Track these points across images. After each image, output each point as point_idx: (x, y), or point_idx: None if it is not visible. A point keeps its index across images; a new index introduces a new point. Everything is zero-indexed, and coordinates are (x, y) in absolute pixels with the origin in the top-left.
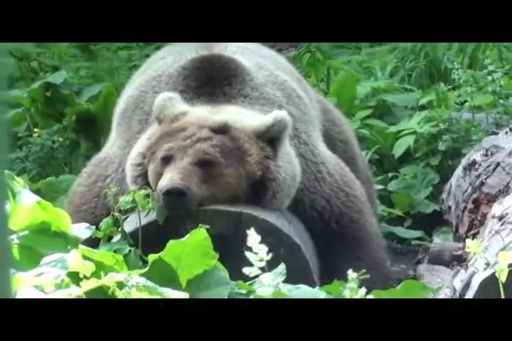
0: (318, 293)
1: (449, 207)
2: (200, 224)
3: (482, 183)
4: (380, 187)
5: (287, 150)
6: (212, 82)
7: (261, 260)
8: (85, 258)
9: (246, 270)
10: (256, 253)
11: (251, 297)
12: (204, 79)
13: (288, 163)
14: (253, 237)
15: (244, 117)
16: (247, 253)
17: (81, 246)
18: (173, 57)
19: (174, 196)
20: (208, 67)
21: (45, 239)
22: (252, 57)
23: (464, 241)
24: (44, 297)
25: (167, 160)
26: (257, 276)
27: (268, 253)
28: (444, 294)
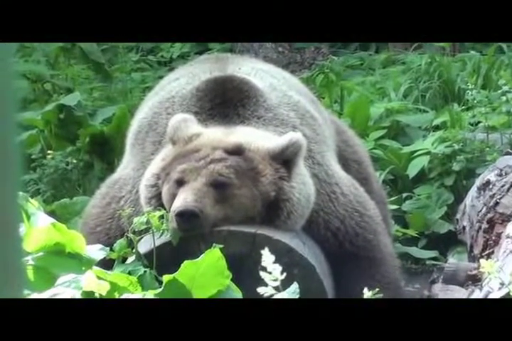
0: None
1: (464, 227)
2: (214, 244)
3: (496, 203)
4: (395, 207)
5: (301, 171)
6: (225, 103)
7: (275, 280)
8: (99, 279)
9: (261, 290)
10: (270, 273)
11: None
12: (218, 100)
13: (302, 184)
14: (267, 257)
15: (259, 138)
16: (262, 273)
17: (95, 268)
18: (187, 78)
19: (187, 218)
20: (222, 88)
21: (60, 260)
22: (265, 78)
23: (479, 261)
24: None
25: (181, 181)
26: (270, 296)
27: (282, 273)
28: None
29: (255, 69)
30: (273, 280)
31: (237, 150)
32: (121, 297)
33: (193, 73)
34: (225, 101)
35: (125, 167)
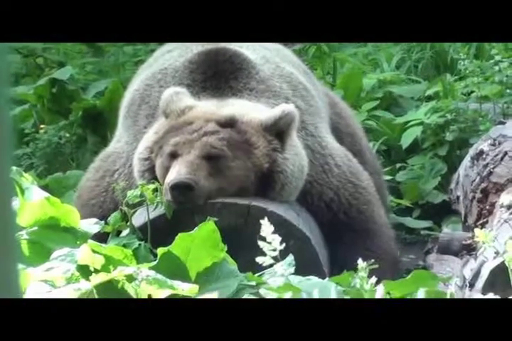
0: (328, 284)
1: (458, 197)
2: (208, 217)
3: (490, 173)
4: (388, 177)
5: (294, 142)
6: (218, 75)
7: (274, 250)
8: (94, 252)
9: (259, 259)
10: (269, 243)
11: (261, 288)
12: (210, 72)
13: (295, 155)
14: (267, 227)
15: (251, 110)
16: (261, 243)
17: (90, 241)
18: (179, 50)
19: (182, 190)
20: (214, 60)
21: (54, 234)
22: (258, 50)
23: (473, 231)
24: (52, 294)
25: (174, 154)
26: (266, 267)
27: (281, 243)
28: (454, 283)
29: None
30: (272, 250)
31: (229, 123)
32: (116, 270)
33: (185, 45)
34: (218, 73)
35: (118, 140)
